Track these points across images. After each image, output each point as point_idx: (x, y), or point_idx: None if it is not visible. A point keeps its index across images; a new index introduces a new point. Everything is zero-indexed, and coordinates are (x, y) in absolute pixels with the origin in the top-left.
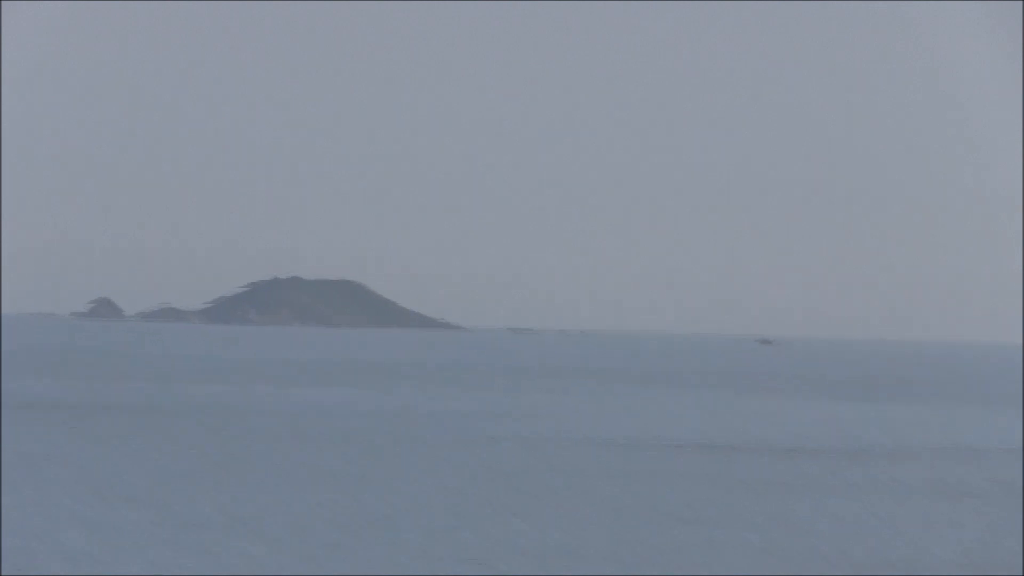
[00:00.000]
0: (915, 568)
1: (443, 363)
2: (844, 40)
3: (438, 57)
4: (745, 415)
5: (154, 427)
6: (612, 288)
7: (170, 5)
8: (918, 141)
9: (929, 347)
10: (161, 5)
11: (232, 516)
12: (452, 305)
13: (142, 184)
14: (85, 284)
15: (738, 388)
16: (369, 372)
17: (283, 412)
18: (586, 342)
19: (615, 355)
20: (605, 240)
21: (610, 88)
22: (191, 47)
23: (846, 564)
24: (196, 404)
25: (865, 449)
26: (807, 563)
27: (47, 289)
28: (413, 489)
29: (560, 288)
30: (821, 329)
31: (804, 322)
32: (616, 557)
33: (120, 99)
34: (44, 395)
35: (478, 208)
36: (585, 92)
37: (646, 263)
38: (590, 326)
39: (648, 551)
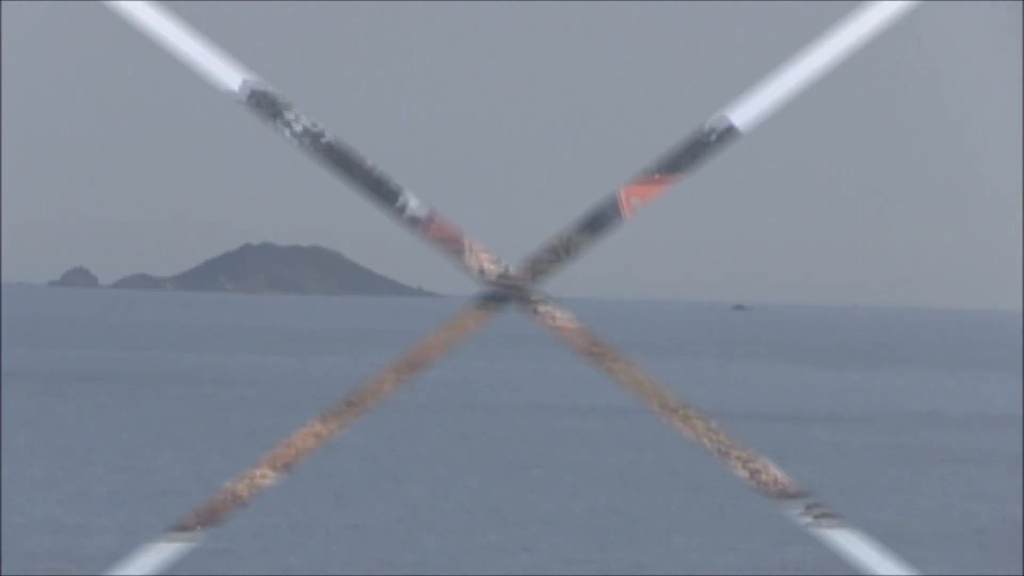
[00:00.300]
0: (894, 535)
1: (418, 330)
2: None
3: (407, 19)
4: (723, 381)
5: (130, 395)
6: (584, 253)
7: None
8: (914, 138)
9: (909, 313)
10: (161, 5)
11: (209, 484)
12: (426, 273)
13: (118, 156)
14: (60, 253)
15: (715, 354)
16: (345, 339)
17: (259, 380)
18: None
19: (589, 322)
20: (577, 205)
21: (590, 55)
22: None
23: None
24: (172, 372)
25: (846, 415)
26: (786, 529)
27: (22, 258)
28: (393, 458)
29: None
30: (795, 295)
31: (779, 288)
32: (597, 524)
33: (113, 94)
34: (20, 364)
35: (449, 173)
36: (563, 56)
37: (618, 228)
38: (564, 292)
39: (629, 517)
